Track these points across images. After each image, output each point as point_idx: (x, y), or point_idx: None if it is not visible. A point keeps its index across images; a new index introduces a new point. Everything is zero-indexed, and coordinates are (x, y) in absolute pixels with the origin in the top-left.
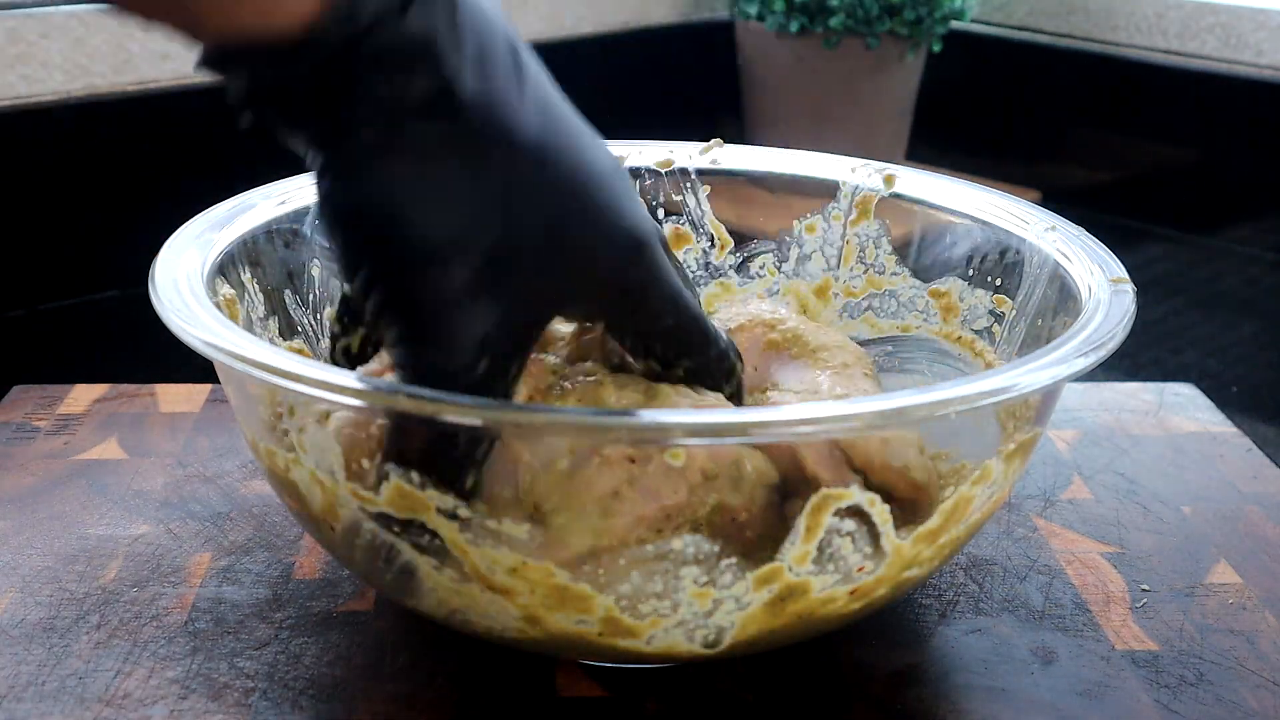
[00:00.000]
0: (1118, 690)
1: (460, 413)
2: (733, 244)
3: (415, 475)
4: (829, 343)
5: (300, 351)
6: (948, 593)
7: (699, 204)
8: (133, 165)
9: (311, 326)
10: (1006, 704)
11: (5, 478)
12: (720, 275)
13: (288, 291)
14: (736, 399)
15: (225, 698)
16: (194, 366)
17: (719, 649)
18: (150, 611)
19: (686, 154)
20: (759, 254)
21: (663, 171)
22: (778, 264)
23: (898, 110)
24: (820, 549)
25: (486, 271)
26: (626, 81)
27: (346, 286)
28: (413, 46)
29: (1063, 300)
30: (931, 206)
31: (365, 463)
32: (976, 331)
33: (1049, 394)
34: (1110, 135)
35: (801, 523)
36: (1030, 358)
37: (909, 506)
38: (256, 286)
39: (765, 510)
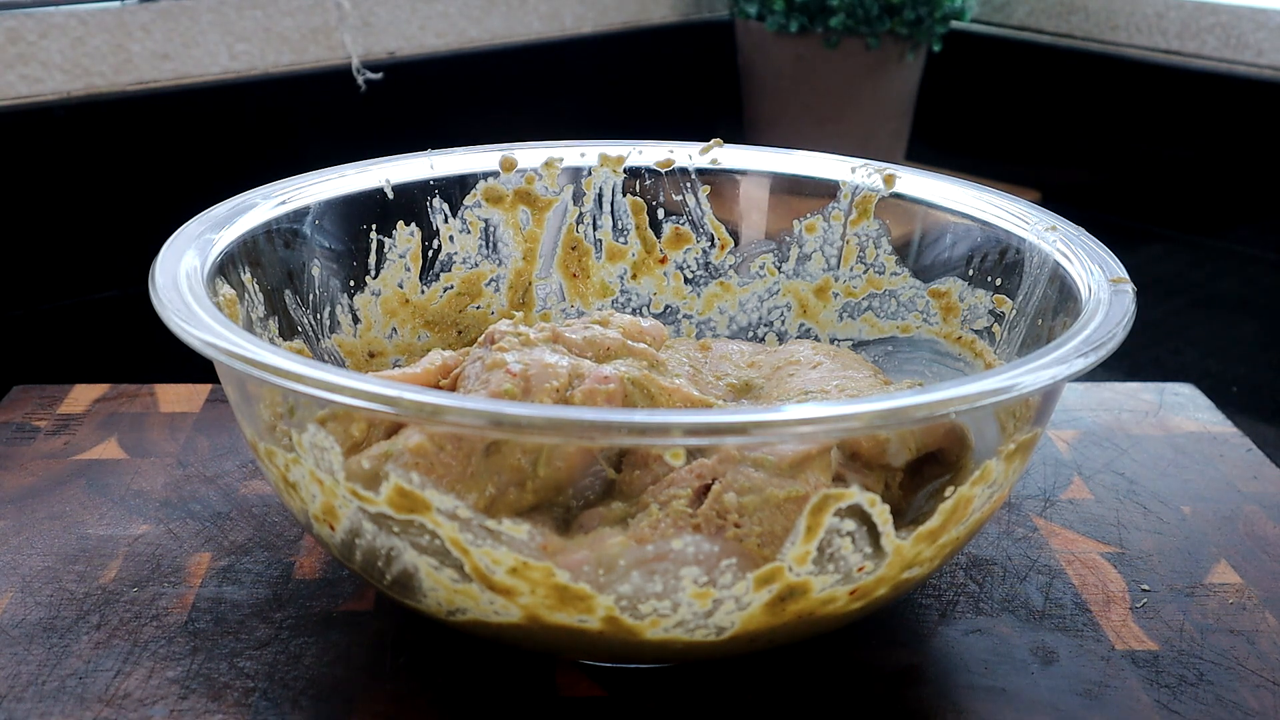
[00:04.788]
0: (1118, 690)
1: (460, 415)
2: (733, 244)
3: (415, 476)
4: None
5: (300, 351)
6: (948, 593)
7: (699, 204)
8: (133, 165)
9: (311, 326)
10: (1006, 704)
11: (5, 478)
12: (720, 275)
13: (288, 291)
14: None
15: (225, 698)
16: (194, 366)
17: (719, 648)
18: (150, 611)
19: (686, 154)
20: (759, 254)
21: (663, 171)
22: (778, 264)
23: (898, 110)
24: (820, 549)
25: None
26: (626, 81)
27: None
28: None
29: (1063, 300)
30: (931, 206)
31: (366, 462)
32: (976, 331)
33: (1049, 394)
34: (1110, 135)
35: (801, 523)
36: (1030, 358)
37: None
38: (256, 286)
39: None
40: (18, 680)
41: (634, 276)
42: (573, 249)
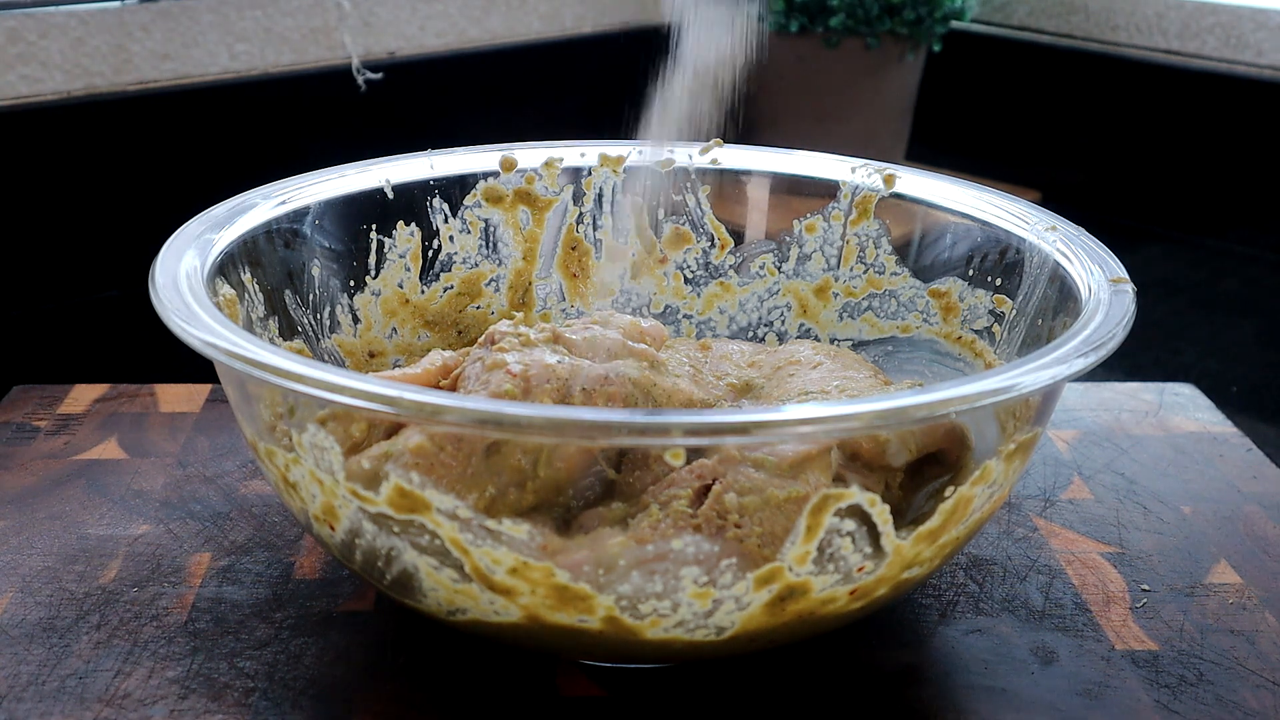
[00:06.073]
0: (1118, 690)
1: (460, 414)
2: (733, 244)
3: (415, 476)
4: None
5: (300, 351)
6: (948, 593)
7: (699, 204)
8: (133, 165)
9: (311, 326)
10: (1006, 704)
11: (5, 478)
12: (720, 275)
13: (288, 291)
14: None
15: (225, 698)
16: (194, 366)
17: (719, 648)
18: (150, 611)
19: (686, 154)
20: (759, 254)
21: (663, 171)
22: (778, 264)
23: (898, 110)
24: (820, 549)
25: None
26: (626, 81)
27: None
28: None
29: (1063, 300)
30: (931, 206)
31: (366, 463)
32: (976, 331)
33: (1049, 394)
34: (1110, 135)
35: (801, 523)
36: (1030, 358)
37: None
38: (256, 286)
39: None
40: (18, 680)
41: (634, 276)
42: (573, 249)
